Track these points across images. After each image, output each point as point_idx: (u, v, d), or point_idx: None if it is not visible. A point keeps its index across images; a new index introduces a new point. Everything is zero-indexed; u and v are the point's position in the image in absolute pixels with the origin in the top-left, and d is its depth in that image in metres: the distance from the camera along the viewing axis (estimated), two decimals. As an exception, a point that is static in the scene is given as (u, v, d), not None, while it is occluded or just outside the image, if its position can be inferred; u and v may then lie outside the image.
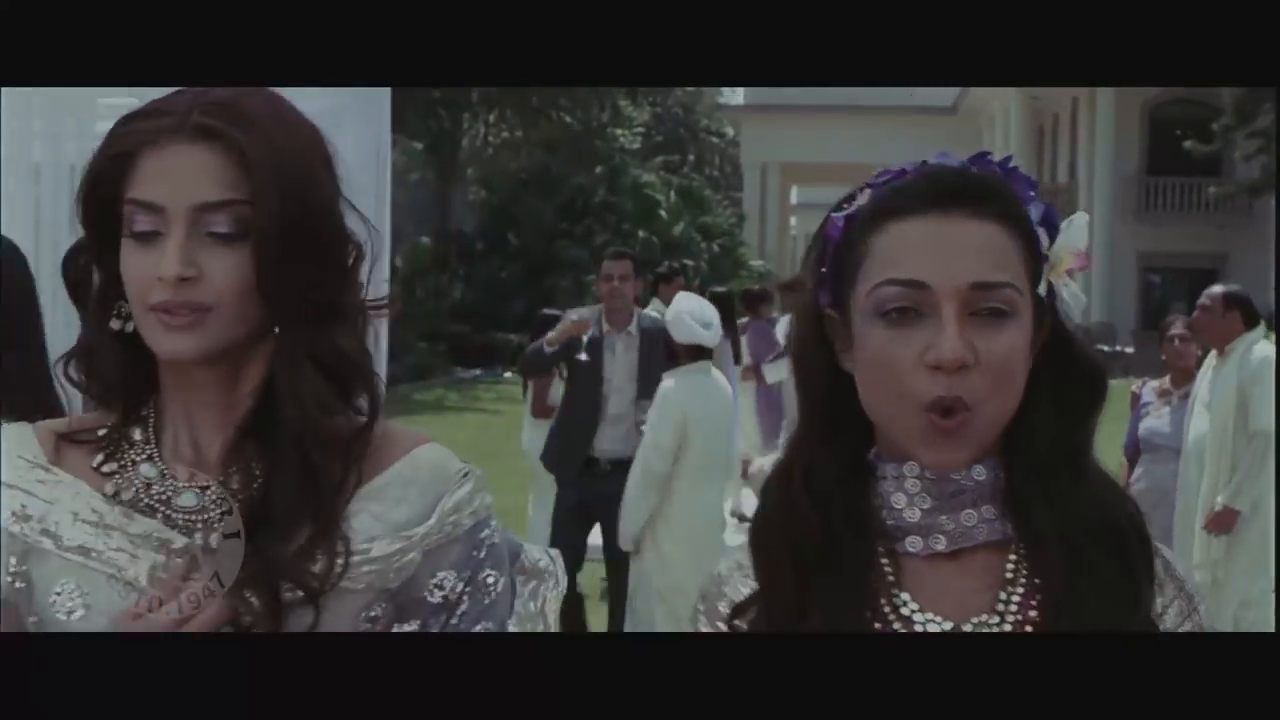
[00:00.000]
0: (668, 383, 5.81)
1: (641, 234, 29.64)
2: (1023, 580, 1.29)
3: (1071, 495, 1.29)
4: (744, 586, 1.35)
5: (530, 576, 1.54)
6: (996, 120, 38.62)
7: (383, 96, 5.99)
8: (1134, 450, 6.34)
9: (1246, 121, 25.72)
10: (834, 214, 1.32)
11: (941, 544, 1.29)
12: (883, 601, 1.29)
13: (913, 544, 1.30)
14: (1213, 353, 5.84)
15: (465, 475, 1.46)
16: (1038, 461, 1.29)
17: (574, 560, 6.23)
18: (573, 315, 6.22)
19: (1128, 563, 1.28)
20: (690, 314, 5.83)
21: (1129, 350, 25.62)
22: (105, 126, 4.57)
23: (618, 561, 6.08)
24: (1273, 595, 5.16)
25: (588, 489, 6.14)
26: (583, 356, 6.12)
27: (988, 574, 1.30)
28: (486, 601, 1.44)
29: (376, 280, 4.74)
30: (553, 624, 1.54)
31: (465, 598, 1.43)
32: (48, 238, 4.49)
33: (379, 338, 5.88)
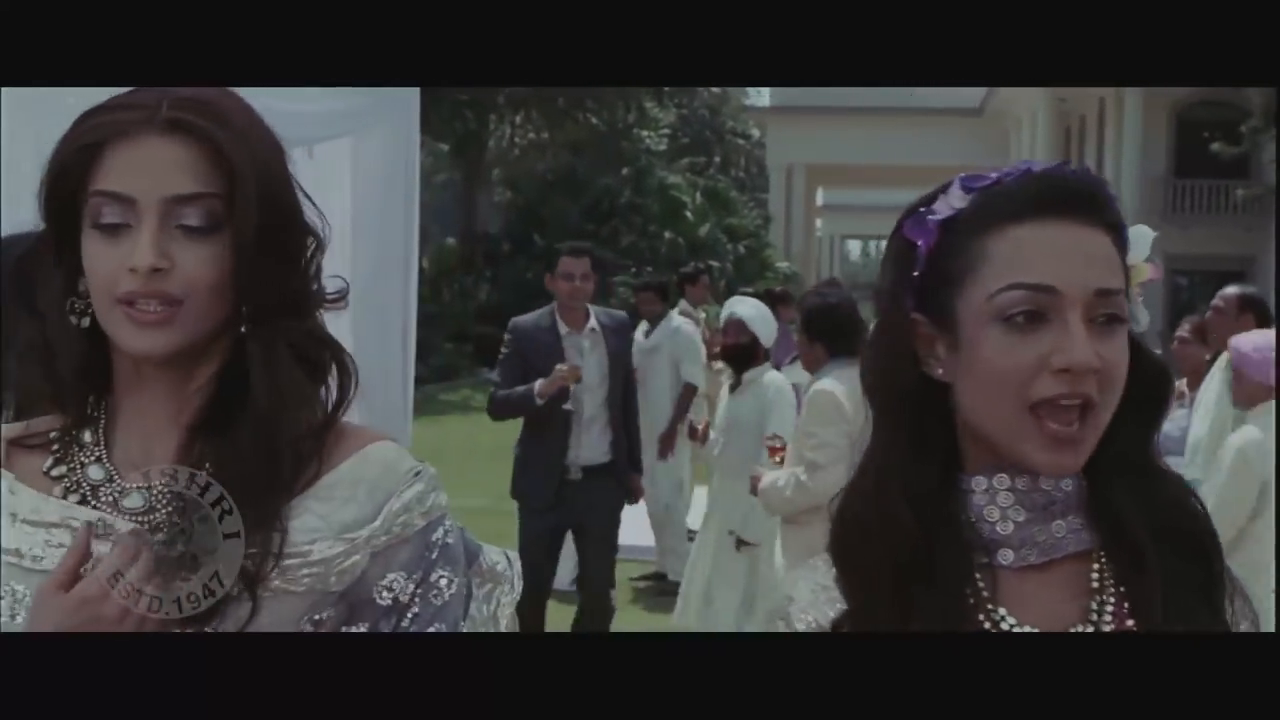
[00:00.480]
0: (780, 378, 6.02)
1: (667, 235, 29.63)
2: (1110, 588, 1.30)
3: (1155, 498, 1.30)
4: (830, 609, 1.33)
5: (486, 579, 1.52)
6: (1023, 122, 38.49)
7: (411, 97, 6.04)
8: None
9: (1275, 123, 25.54)
10: (929, 217, 1.31)
11: (1034, 556, 1.30)
12: (981, 616, 1.29)
13: (1004, 556, 1.30)
14: (1223, 354, 5.56)
15: (416, 474, 1.43)
16: (1123, 466, 1.30)
17: (548, 579, 5.91)
18: (562, 368, 5.61)
19: (1209, 562, 1.30)
20: (769, 317, 5.96)
21: (1156, 352, 25.43)
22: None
23: (599, 577, 5.96)
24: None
25: (563, 506, 5.80)
26: (568, 406, 5.75)
27: (1073, 583, 1.30)
28: (438, 603, 1.40)
29: (409, 277, 4.69)
30: (504, 628, 1.51)
31: (416, 599, 1.40)
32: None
33: (407, 338, 5.87)
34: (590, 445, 5.87)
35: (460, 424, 16.12)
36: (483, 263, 30.00)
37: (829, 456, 4.58)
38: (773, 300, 10.81)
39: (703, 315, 9.44)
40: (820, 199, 52.67)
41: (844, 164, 44.14)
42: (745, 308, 6.17)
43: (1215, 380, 5.55)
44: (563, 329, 5.84)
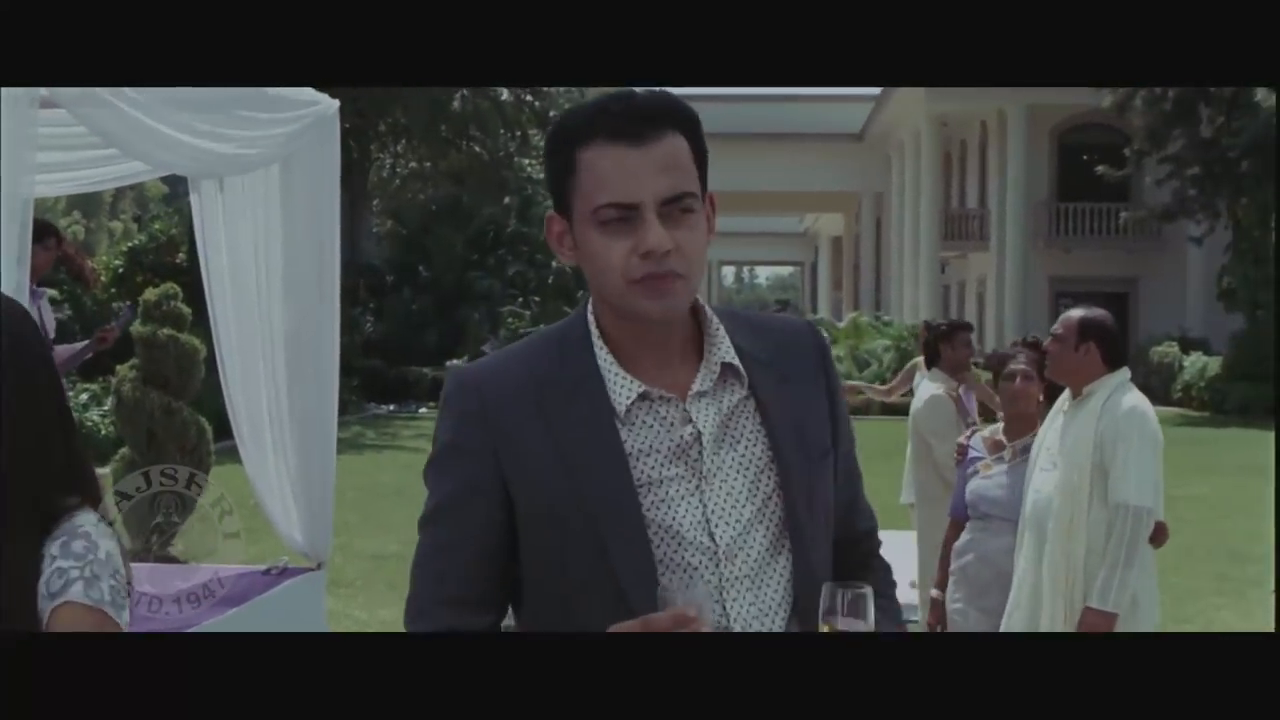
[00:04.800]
0: None
1: (555, 264, 29.39)
2: None
3: None
4: None
5: None
6: (906, 146, 38.96)
7: (332, 132, 5.68)
8: (962, 514, 5.00)
9: (1159, 146, 25.99)
10: None
11: None
12: None
13: None
14: (1063, 396, 4.48)
15: None
16: None
17: None
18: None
19: None
20: None
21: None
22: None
23: None
24: None
25: None
26: None
27: None
28: None
29: (333, 310, 4.56)
30: None
31: None
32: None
33: (333, 373, 5.35)
34: None
35: (356, 463, 15.31)
36: (366, 295, 29.45)
37: None
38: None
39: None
40: (701, 226, 52.82)
41: (728, 191, 44.34)
42: None
43: (1057, 425, 4.42)
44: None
